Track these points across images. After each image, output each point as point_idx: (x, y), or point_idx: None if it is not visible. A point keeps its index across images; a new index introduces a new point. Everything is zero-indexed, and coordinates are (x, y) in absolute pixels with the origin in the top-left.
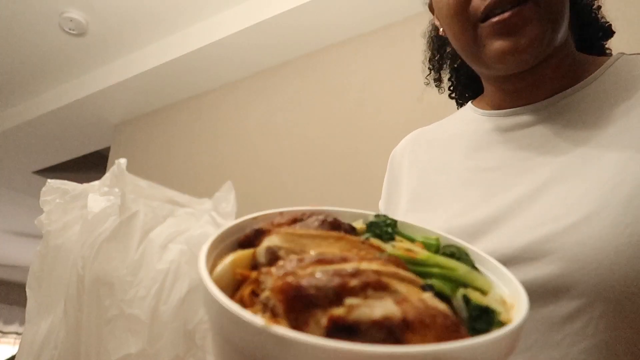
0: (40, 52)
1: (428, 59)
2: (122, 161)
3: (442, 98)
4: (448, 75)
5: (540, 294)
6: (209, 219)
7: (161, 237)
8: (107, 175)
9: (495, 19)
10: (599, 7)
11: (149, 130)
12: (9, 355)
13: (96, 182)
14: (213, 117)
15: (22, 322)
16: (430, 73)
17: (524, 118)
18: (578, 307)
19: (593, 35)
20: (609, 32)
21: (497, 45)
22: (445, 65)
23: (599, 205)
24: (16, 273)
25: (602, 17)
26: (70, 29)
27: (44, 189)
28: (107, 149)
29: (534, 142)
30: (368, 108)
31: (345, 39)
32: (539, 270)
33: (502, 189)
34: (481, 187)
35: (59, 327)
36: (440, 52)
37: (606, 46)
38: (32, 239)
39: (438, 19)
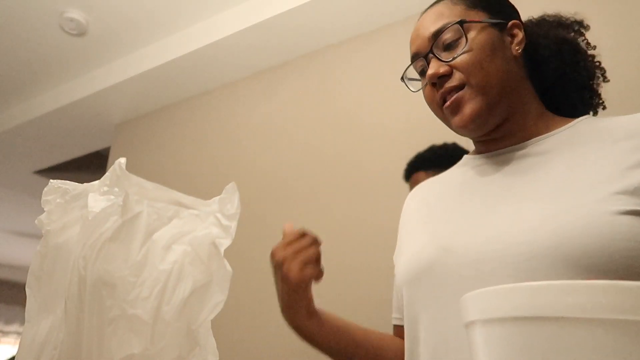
0: (40, 52)
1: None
2: (122, 160)
3: None
4: None
5: None
6: (214, 220)
7: (165, 238)
8: (107, 174)
9: (445, 105)
10: (591, 76)
11: (149, 130)
12: (10, 355)
13: (96, 182)
14: (213, 117)
15: (22, 322)
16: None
17: (494, 159)
18: None
19: (561, 100)
20: (589, 103)
21: (453, 121)
22: None
23: (542, 220)
24: (16, 273)
25: (596, 86)
26: (70, 29)
27: (46, 189)
28: (107, 149)
29: (494, 176)
30: (368, 108)
31: (345, 39)
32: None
33: (473, 212)
34: (459, 211)
35: (59, 327)
36: None
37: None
38: (32, 239)
39: None
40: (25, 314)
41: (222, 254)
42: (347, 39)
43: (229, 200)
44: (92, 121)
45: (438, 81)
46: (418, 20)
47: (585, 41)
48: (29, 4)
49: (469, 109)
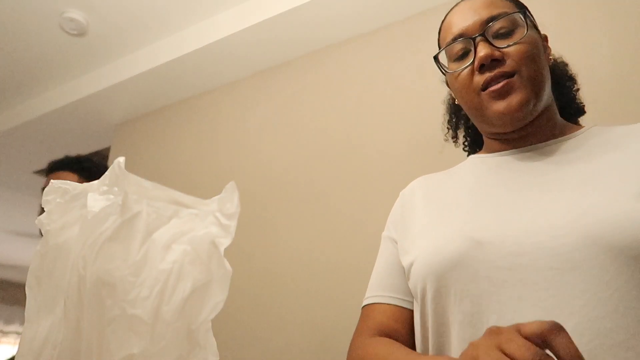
0: (40, 52)
1: (447, 120)
2: (121, 160)
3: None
4: (463, 133)
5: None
6: (213, 219)
7: (164, 238)
8: (106, 174)
9: (492, 88)
10: (577, 90)
11: (149, 130)
12: (10, 355)
13: (95, 182)
14: (213, 117)
15: (22, 322)
16: (448, 131)
17: (516, 155)
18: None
19: (569, 111)
20: (582, 111)
21: (495, 106)
22: (460, 125)
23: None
24: (16, 273)
25: (579, 99)
26: (70, 29)
27: (46, 189)
28: (107, 149)
29: (521, 170)
30: (368, 108)
31: (345, 39)
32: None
33: (502, 204)
34: (486, 203)
35: (59, 327)
36: (456, 115)
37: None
38: (32, 239)
39: (452, 91)
40: (25, 313)
41: (222, 254)
42: (347, 39)
43: (229, 200)
44: (92, 121)
45: (490, 64)
46: (459, 4)
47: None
48: (29, 4)
49: (517, 96)
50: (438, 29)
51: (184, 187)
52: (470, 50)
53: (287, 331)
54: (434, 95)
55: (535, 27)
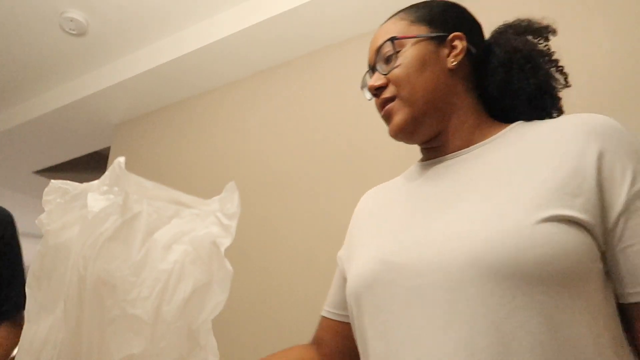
0: (40, 52)
1: None
2: (121, 160)
3: None
4: None
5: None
6: (214, 219)
7: (165, 238)
8: (107, 174)
9: (381, 114)
10: (509, 85)
11: (149, 130)
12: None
13: (95, 182)
14: (213, 117)
15: None
16: None
17: (439, 165)
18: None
19: (508, 109)
20: (536, 97)
21: (388, 129)
22: None
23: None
24: None
25: (535, 83)
26: (70, 29)
27: (46, 189)
28: (107, 149)
29: (437, 184)
30: (368, 107)
31: (345, 39)
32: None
33: (414, 223)
34: (403, 221)
35: (59, 327)
36: None
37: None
38: (32, 239)
39: None
40: (25, 313)
41: (223, 254)
42: (347, 39)
43: (229, 200)
44: (92, 121)
45: (376, 92)
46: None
47: (547, 47)
48: (29, 4)
49: (397, 119)
50: None
51: (184, 187)
52: None
53: (288, 331)
54: None
55: (434, 37)
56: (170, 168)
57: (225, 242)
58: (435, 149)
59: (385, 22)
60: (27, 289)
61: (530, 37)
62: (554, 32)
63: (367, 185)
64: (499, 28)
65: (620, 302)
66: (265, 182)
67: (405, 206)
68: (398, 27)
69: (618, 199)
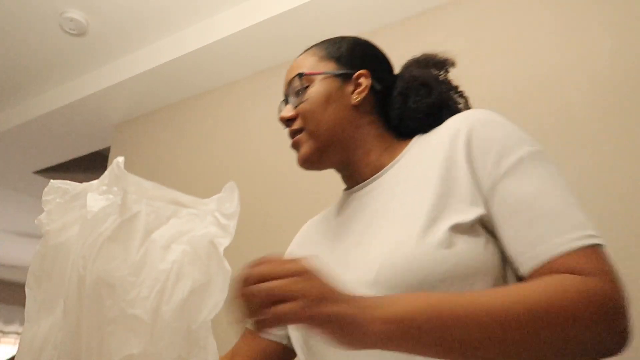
0: (40, 52)
1: None
2: (120, 160)
3: None
4: None
5: None
6: (212, 219)
7: (164, 238)
8: (106, 174)
9: (290, 143)
10: (434, 95)
11: (149, 130)
12: (10, 355)
13: (95, 182)
14: (213, 117)
15: (22, 322)
16: None
17: (356, 194)
18: None
19: (407, 125)
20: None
21: (297, 156)
22: None
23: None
24: (16, 273)
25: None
26: (70, 29)
27: (46, 189)
28: (107, 149)
29: (357, 211)
30: None
31: None
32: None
33: (342, 238)
34: (331, 239)
35: (58, 327)
36: None
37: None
38: (32, 239)
39: None
40: (25, 313)
41: (222, 253)
42: None
43: (228, 199)
44: (92, 121)
45: (286, 123)
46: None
47: (446, 77)
48: (29, 4)
49: (303, 150)
50: None
51: (183, 187)
52: None
53: None
54: None
55: (340, 74)
56: (170, 168)
57: (224, 241)
58: (349, 177)
59: (300, 55)
60: (26, 289)
61: (432, 69)
62: (453, 64)
63: None
64: (406, 62)
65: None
66: (264, 182)
67: (329, 243)
68: (308, 63)
69: (485, 183)
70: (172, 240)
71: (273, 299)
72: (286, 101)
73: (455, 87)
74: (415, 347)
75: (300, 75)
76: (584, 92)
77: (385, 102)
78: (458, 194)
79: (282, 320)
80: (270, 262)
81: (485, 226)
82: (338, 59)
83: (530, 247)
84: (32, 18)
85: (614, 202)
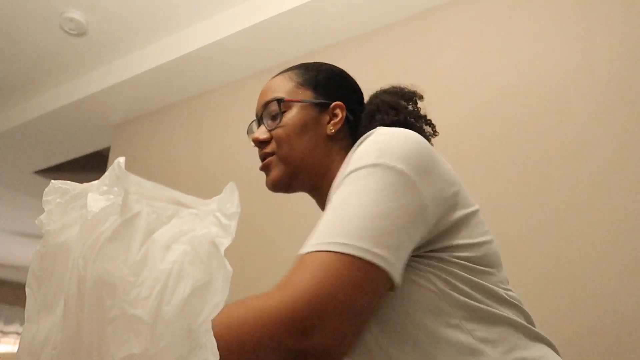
0: (40, 52)
1: None
2: (121, 160)
3: None
4: None
5: None
6: (213, 219)
7: (164, 238)
8: (106, 174)
9: (260, 166)
10: (400, 115)
11: (149, 131)
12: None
13: (95, 182)
14: (213, 117)
15: (22, 322)
16: None
17: None
18: None
19: None
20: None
21: (266, 179)
22: None
23: None
24: (16, 273)
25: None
26: (70, 29)
27: (46, 189)
28: (107, 149)
29: None
30: None
31: (344, 39)
32: None
33: None
34: None
35: (58, 327)
36: None
37: None
38: (32, 239)
39: None
40: (25, 314)
41: (222, 254)
42: (347, 39)
43: (229, 200)
44: (92, 121)
45: (259, 145)
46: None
47: (414, 108)
48: (29, 4)
49: (272, 174)
50: None
51: (183, 187)
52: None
53: None
54: (434, 93)
55: (318, 103)
56: (170, 168)
57: (225, 242)
58: (319, 200)
59: (275, 77)
60: (27, 289)
61: (400, 100)
62: (421, 97)
63: None
64: (374, 92)
65: None
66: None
67: None
68: (286, 88)
69: None
70: (172, 240)
71: None
72: (259, 122)
73: (424, 116)
74: None
75: (280, 100)
76: (584, 93)
77: (355, 130)
78: None
79: None
80: None
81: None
82: (315, 87)
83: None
84: (32, 18)
85: (614, 202)
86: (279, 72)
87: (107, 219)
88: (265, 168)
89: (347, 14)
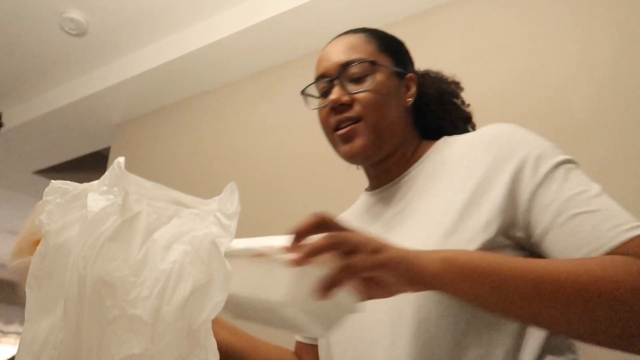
0: (40, 52)
1: None
2: (121, 160)
3: None
4: None
5: None
6: (214, 219)
7: (165, 238)
8: (106, 174)
9: (339, 132)
10: (456, 105)
11: (150, 131)
12: (10, 355)
13: (95, 182)
14: (213, 117)
15: (22, 322)
16: None
17: (379, 195)
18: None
19: (440, 127)
20: (456, 124)
21: (342, 148)
22: None
23: (425, 239)
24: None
25: (458, 114)
26: (70, 29)
27: (46, 189)
28: (108, 149)
29: (388, 207)
30: None
31: None
32: None
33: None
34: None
35: (59, 327)
36: None
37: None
38: None
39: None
40: (25, 314)
41: (223, 254)
42: None
43: (229, 200)
44: (92, 121)
45: (339, 108)
46: (330, 43)
47: (460, 100)
48: (29, 4)
49: (359, 142)
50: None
51: (184, 187)
52: (330, 89)
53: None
54: None
55: (397, 72)
56: (170, 168)
57: (225, 242)
58: (379, 175)
59: (347, 34)
60: (27, 289)
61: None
62: (462, 88)
63: (365, 184)
64: (420, 72)
65: None
66: (265, 182)
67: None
68: (369, 50)
69: (523, 193)
70: (173, 240)
71: (344, 249)
72: (331, 81)
73: (466, 103)
74: (470, 289)
75: (374, 63)
76: (584, 93)
77: (418, 105)
78: (482, 205)
79: (354, 272)
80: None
81: (508, 236)
82: (394, 55)
83: (586, 243)
84: (32, 18)
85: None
86: (345, 31)
87: (107, 219)
88: (348, 135)
89: (347, 14)
